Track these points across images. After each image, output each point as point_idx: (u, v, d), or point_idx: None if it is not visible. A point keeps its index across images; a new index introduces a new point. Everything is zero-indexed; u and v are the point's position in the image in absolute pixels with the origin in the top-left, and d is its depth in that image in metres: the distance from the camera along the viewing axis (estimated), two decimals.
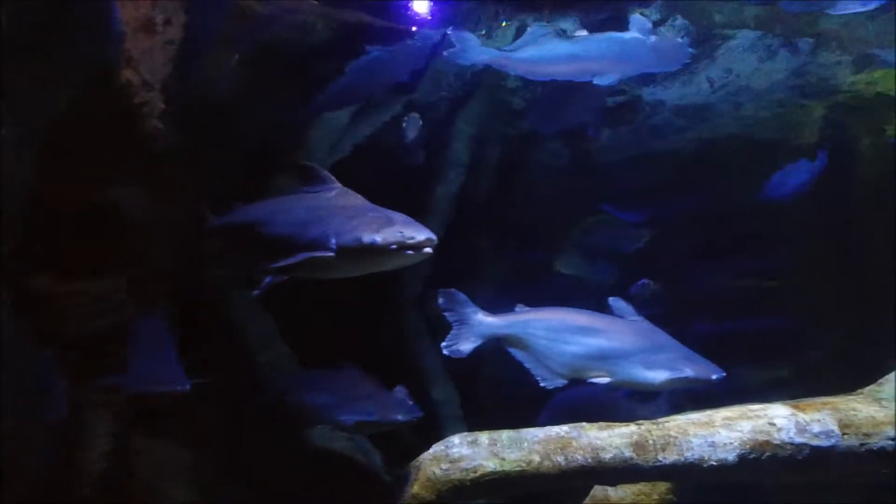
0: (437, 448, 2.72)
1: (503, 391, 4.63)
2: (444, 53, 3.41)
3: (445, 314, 2.82)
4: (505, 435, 2.71)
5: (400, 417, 3.05)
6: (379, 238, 2.30)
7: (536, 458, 2.60)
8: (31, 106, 1.70)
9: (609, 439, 2.61)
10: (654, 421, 2.67)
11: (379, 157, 4.07)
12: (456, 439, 2.73)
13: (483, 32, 3.92)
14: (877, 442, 2.39)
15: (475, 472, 2.60)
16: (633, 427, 2.65)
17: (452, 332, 2.81)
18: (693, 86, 4.30)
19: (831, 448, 2.41)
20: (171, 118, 2.43)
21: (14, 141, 1.65)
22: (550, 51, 3.37)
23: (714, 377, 2.72)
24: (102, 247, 2.67)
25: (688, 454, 2.53)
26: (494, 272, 4.75)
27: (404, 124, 3.99)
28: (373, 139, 4.08)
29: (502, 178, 4.76)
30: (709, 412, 2.65)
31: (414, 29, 3.76)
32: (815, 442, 2.43)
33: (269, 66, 3.37)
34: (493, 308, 2.95)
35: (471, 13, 3.84)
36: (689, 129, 4.53)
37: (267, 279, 2.50)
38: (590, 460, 2.58)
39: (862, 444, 2.40)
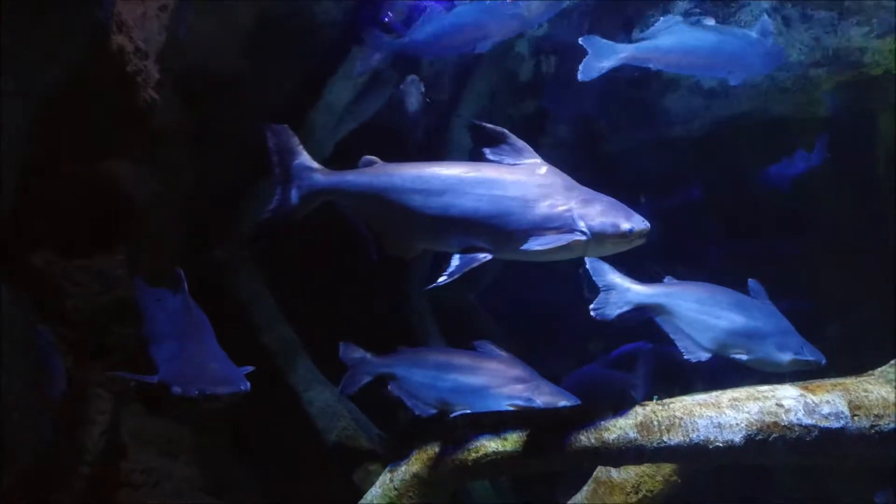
0: (438, 428, 2.70)
1: None
2: (579, 72, 3.17)
3: (594, 279, 2.83)
4: (508, 416, 2.69)
5: (564, 404, 2.86)
6: (634, 226, 2.24)
7: (539, 439, 2.56)
8: (24, 73, 1.65)
9: (613, 420, 2.57)
10: (659, 402, 2.63)
11: (380, 136, 4.01)
12: (458, 419, 2.70)
13: None
14: (888, 424, 2.32)
15: (477, 451, 2.57)
16: (637, 408, 2.60)
17: (600, 297, 2.81)
18: None
19: (841, 430, 2.35)
20: (169, 89, 2.37)
21: (10, 109, 1.60)
22: (691, 42, 3.25)
23: (823, 363, 2.84)
24: (100, 222, 2.64)
25: (693, 435, 2.48)
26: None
27: (402, 88, 3.81)
28: (375, 118, 4.02)
29: None
30: (716, 393, 2.60)
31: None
32: (824, 424, 2.37)
33: (271, 40, 3.30)
34: None
35: None
36: (700, 107, 4.42)
37: (458, 263, 2.21)
38: (593, 441, 2.54)
39: (872, 427, 2.33)
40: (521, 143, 2.38)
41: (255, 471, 3.71)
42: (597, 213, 2.24)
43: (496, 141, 2.36)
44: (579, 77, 3.21)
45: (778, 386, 2.55)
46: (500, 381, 2.98)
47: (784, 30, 3.83)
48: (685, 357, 2.84)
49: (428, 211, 2.26)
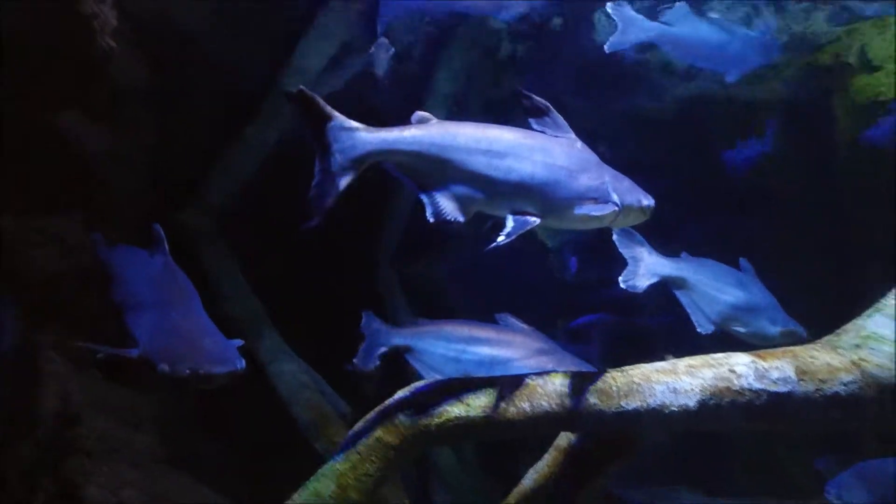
0: (402, 394, 2.71)
1: None
2: (607, 44, 3.31)
3: (622, 251, 2.99)
4: (471, 382, 2.71)
5: None
6: (650, 203, 2.43)
7: (502, 405, 2.60)
8: None
9: (574, 387, 2.62)
10: (619, 369, 2.70)
11: (352, 104, 3.96)
12: (421, 385, 2.72)
13: None
14: (831, 387, 2.43)
15: (440, 417, 2.60)
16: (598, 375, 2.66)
17: (628, 268, 2.98)
18: None
19: (788, 394, 2.45)
20: (129, 40, 2.28)
21: None
22: (703, 36, 3.46)
23: (805, 335, 3.05)
24: (56, 180, 2.54)
25: (650, 400, 2.55)
26: (465, 231, 4.72)
27: (373, 50, 3.78)
28: (347, 87, 3.97)
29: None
30: (673, 361, 2.68)
31: None
32: (773, 388, 2.46)
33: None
34: None
35: None
36: (670, 88, 4.51)
37: (514, 225, 2.27)
38: (555, 406, 2.59)
39: (817, 390, 2.44)
40: (560, 119, 2.44)
41: (219, 443, 3.68)
42: (625, 188, 2.42)
43: (541, 113, 2.43)
44: (607, 48, 3.35)
45: (732, 354, 2.64)
46: (525, 354, 3.00)
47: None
48: (697, 329, 3.02)
49: (491, 173, 2.27)
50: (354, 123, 2.22)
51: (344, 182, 2.14)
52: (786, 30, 4.06)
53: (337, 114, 2.19)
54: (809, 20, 3.99)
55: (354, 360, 3.30)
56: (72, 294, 2.78)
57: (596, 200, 2.35)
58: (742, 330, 3.05)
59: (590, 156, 2.45)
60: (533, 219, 2.32)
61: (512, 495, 3.18)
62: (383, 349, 3.27)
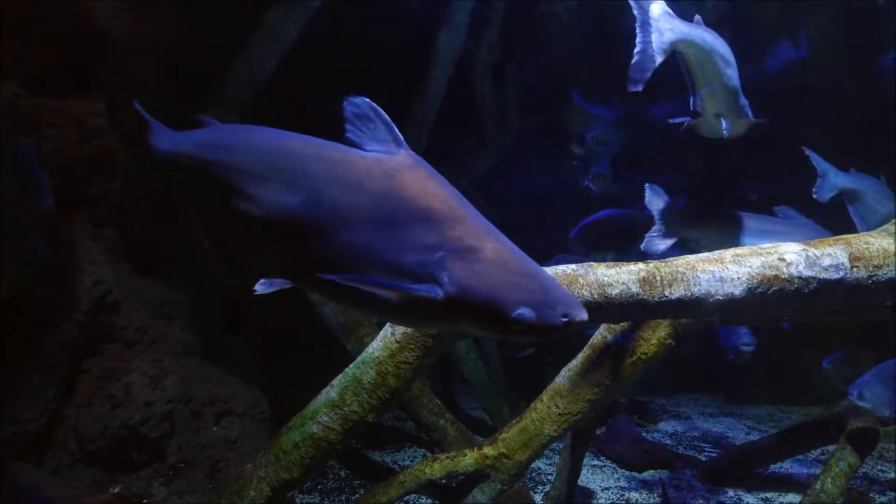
0: None
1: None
2: None
3: (816, 165, 3.41)
4: None
5: None
6: None
7: None
8: None
9: (617, 276, 2.56)
10: (663, 259, 2.63)
11: None
12: None
13: None
14: (885, 273, 2.37)
15: None
16: (641, 265, 2.60)
17: (819, 180, 3.40)
18: None
19: (839, 281, 2.39)
20: None
21: None
22: None
23: None
24: (72, 57, 2.37)
25: (695, 289, 2.50)
26: (500, 131, 4.61)
27: None
28: None
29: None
30: (720, 251, 2.61)
31: None
32: (823, 275, 2.40)
33: None
34: None
35: None
36: None
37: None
38: (596, 296, 2.54)
39: (870, 276, 2.38)
40: None
41: (249, 343, 3.68)
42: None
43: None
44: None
45: (781, 244, 2.56)
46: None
47: None
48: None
49: (722, 76, 2.66)
50: (670, 10, 2.57)
51: (659, 59, 2.45)
52: None
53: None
54: None
55: (642, 246, 3.37)
56: (95, 180, 2.66)
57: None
58: None
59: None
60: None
61: (545, 392, 3.20)
62: (672, 240, 3.36)
